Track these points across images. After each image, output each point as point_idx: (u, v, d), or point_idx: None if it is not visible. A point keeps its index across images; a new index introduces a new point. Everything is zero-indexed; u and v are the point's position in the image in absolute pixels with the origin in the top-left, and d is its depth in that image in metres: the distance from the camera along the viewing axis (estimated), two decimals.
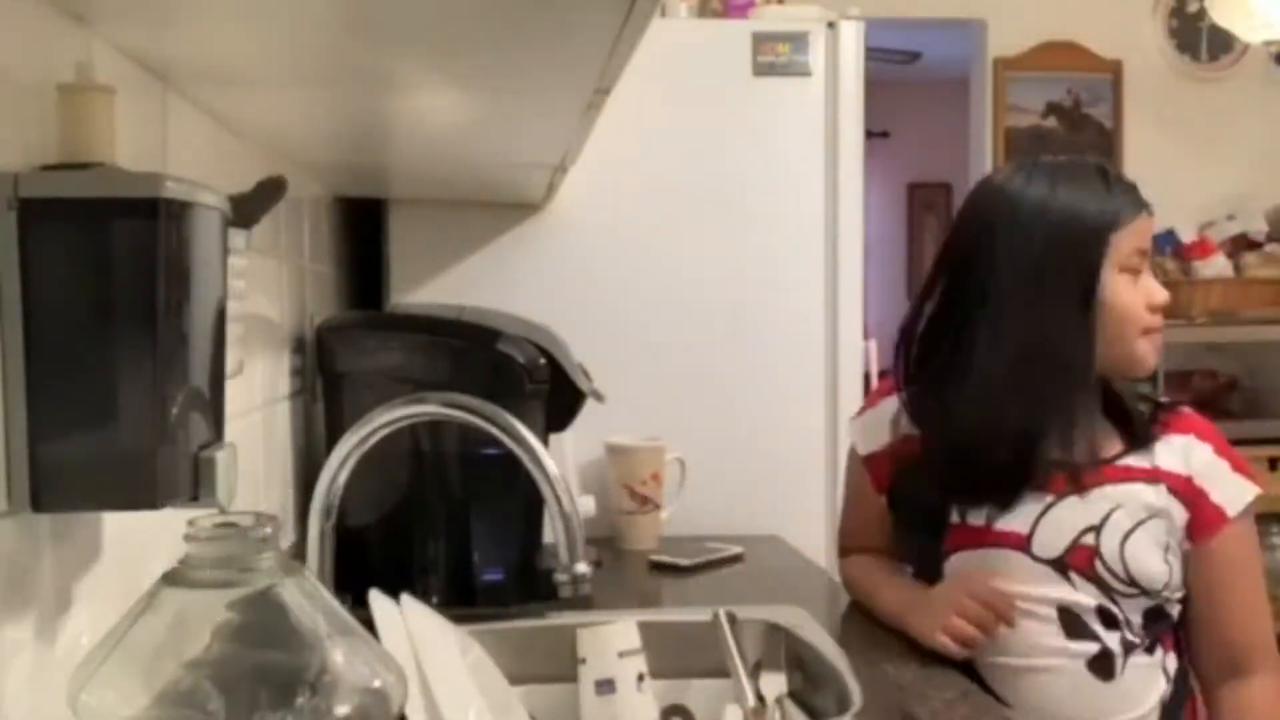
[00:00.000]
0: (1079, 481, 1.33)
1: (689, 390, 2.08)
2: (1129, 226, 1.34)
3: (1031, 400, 1.32)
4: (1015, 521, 1.34)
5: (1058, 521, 1.32)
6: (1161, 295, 1.36)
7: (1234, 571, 1.35)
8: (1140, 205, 1.36)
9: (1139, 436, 1.36)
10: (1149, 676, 1.33)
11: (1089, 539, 1.31)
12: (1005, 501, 1.34)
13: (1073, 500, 1.32)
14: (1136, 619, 1.31)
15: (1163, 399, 1.43)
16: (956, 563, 1.37)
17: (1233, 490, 1.34)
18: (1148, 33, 4.35)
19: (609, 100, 1.12)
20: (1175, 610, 1.35)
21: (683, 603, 1.64)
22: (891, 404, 1.46)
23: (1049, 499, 1.33)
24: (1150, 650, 1.33)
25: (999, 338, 1.33)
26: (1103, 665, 1.30)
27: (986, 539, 1.35)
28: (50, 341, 0.67)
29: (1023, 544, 1.33)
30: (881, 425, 1.48)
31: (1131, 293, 1.35)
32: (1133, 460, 1.35)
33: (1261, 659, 1.34)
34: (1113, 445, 1.36)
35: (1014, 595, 1.31)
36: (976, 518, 1.35)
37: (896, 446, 1.46)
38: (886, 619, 1.41)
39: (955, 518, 1.37)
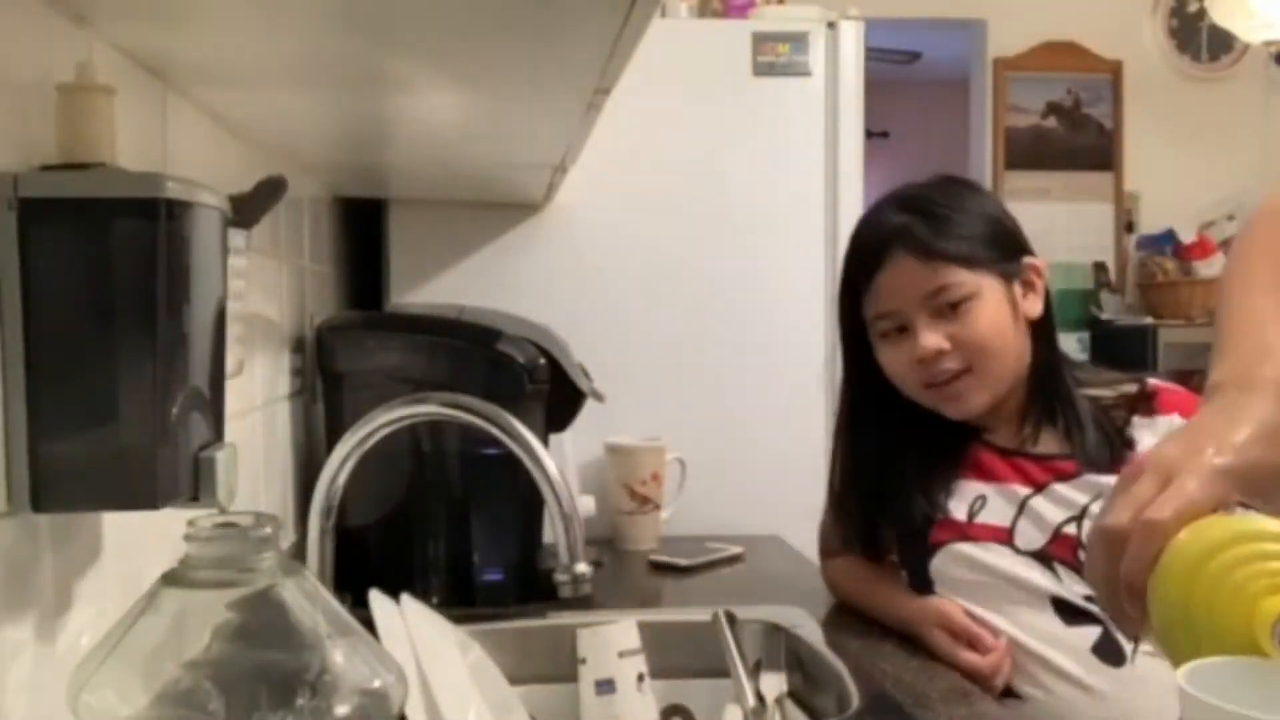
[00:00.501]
0: (1060, 471, 1.33)
1: (689, 390, 2.08)
2: (868, 294, 1.36)
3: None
4: (994, 516, 1.34)
5: (1038, 514, 1.32)
6: (920, 350, 1.32)
7: None
8: (875, 264, 1.34)
9: (1110, 433, 1.34)
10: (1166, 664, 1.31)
11: (1070, 529, 1.30)
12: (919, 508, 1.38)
13: (1053, 491, 1.32)
14: None
15: (1142, 381, 1.39)
16: (940, 560, 1.36)
17: None
18: (1148, 33, 4.35)
19: (609, 100, 1.12)
20: None
21: (683, 603, 1.64)
22: None
23: (1027, 491, 1.33)
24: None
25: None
26: (1109, 650, 1.28)
27: (968, 533, 1.35)
28: (50, 341, 0.67)
29: (1004, 538, 1.33)
30: None
31: (893, 358, 1.36)
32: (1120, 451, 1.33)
33: None
34: (1099, 441, 1.34)
35: (1003, 581, 1.31)
36: (959, 512, 1.36)
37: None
38: (901, 623, 1.41)
39: (938, 514, 1.37)
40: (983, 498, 1.36)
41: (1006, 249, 1.37)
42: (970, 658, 1.29)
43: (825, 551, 1.59)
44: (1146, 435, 1.33)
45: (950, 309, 1.32)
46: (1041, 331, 1.38)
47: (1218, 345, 0.85)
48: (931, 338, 1.32)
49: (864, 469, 1.45)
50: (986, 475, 1.37)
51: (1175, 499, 0.71)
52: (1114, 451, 1.33)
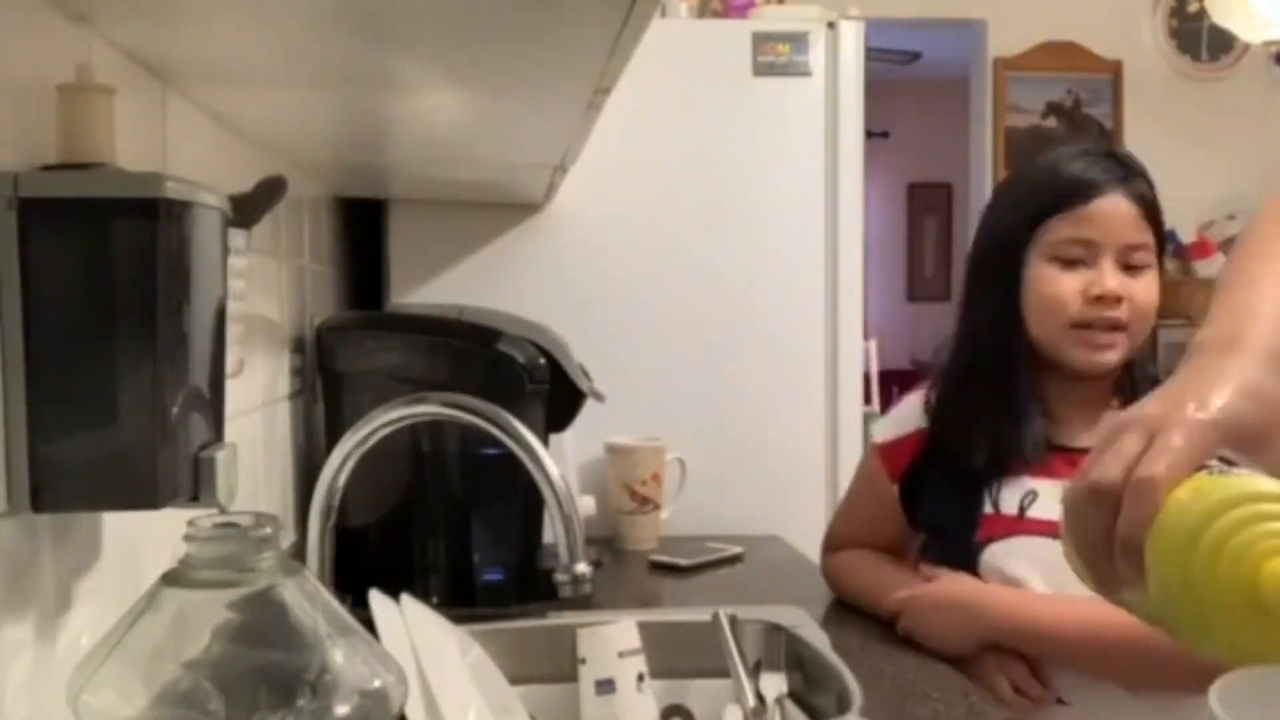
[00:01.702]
0: None
1: (689, 390, 2.08)
2: (1070, 213, 1.33)
3: (975, 392, 1.38)
4: (1046, 510, 1.32)
5: None
6: (1100, 286, 1.31)
7: None
8: (1095, 189, 1.32)
9: None
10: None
11: None
12: (980, 491, 1.36)
13: None
14: None
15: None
16: (992, 554, 1.35)
17: None
18: (1148, 33, 4.35)
19: (609, 100, 1.12)
20: None
21: (683, 603, 1.64)
22: (917, 398, 1.47)
23: None
24: None
25: (954, 334, 1.43)
26: None
27: (1019, 528, 1.34)
28: (50, 341, 0.67)
29: (1056, 531, 1.32)
30: (902, 418, 1.49)
31: (1056, 283, 1.33)
32: None
33: None
34: None
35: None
36: (1009, 506, 1.35)
37: (915, 437, 1.46)
38: (889, 611, 1.40)
39: (988, 508, 1.36)
40: (1034, 492, 1.34)
41: (1163, 243, 1.40)
42: (1007, 694, 1.28)
43: (831, 544, 1.58)
44: None
45: (1129, 269, 1.33)
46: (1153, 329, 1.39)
47: (1211, 307, 0.85)
48: (1118, 280, 1.32)
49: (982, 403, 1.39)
50: (1038, 470, 1.35)
51: (1164, 454, 0.70)
52: None
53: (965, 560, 1.38)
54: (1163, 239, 1.39)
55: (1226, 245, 3.97)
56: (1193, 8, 4.27)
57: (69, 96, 0.73)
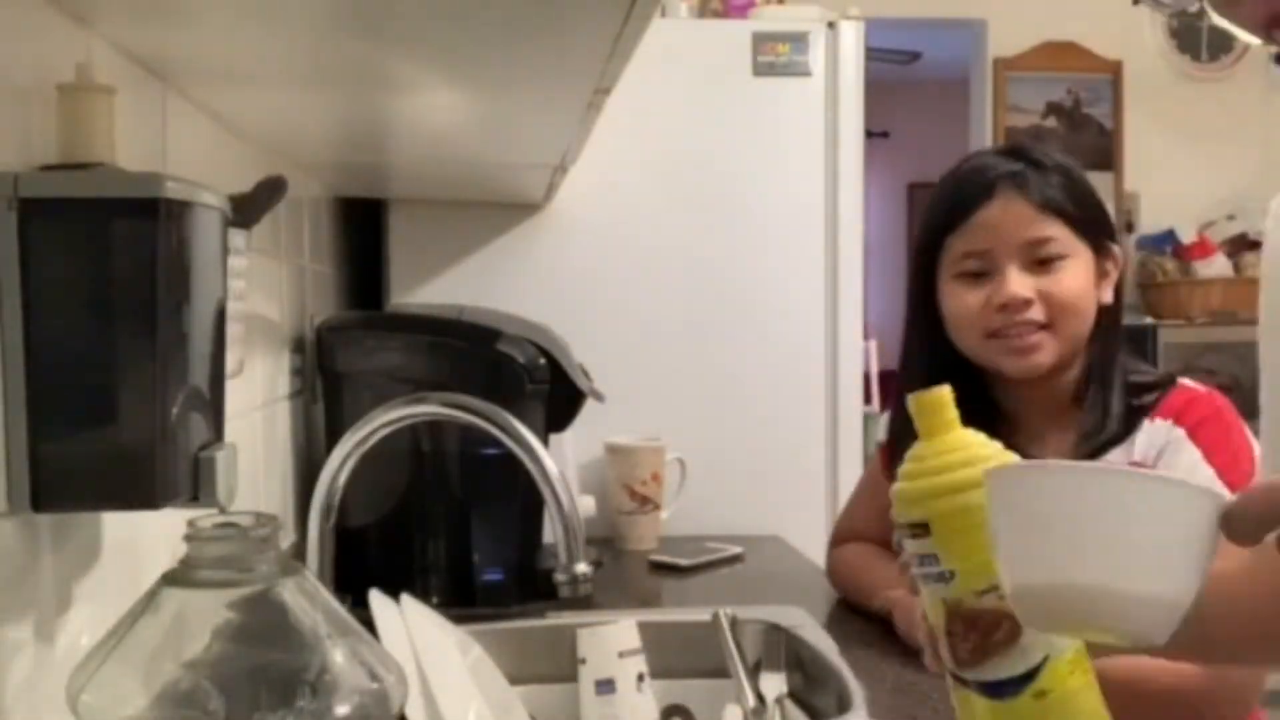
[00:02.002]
0: None
1: (689, 390, 2.08)
2: (961, 228, 1.30)
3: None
4: None
5: None
6: (1001, 294, 1.27)
7: None
8: (980, 198, 1.29)
9: (1116, 428, 1.30)
10: None
11: None
12: None
13: None
14: None
15: (1155, 378, 1.34)
16: None
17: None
18: (1148, 33, 4.35)
19: (609, 100, 1.12)
20: None
21: (683, 603, 1.64)
22: None
23: None
24: None
25: (899, 355, 1.42)
26: None
27: None
28: (50, 341, 0.67)
29: None
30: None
31: (960, 300, 1.31)
32: (1113, 454, 1.29)
33: None
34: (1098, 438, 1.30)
35: None
36: None
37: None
38: (876, 610, 1.40)
39: None
40: None
41: (1101, 226, 1.34)
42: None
43: (838, 539, 1.59)
44: (1144, 434, 1.28)
45: (1041, 265, 1.29)
46: (1106, 320, 1.34)
47: None
48: (1021, 284, 1.28)
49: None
50: None
51: None
52: (1109, 443, 1.29)
53: None
54: (1094, 219, 1.33)
55: (1226, 245, 3.96)
56: (1193, 8, 4.26)
57: (69, 96, 0.73)
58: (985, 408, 1.33)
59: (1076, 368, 1.33)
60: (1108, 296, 1.34)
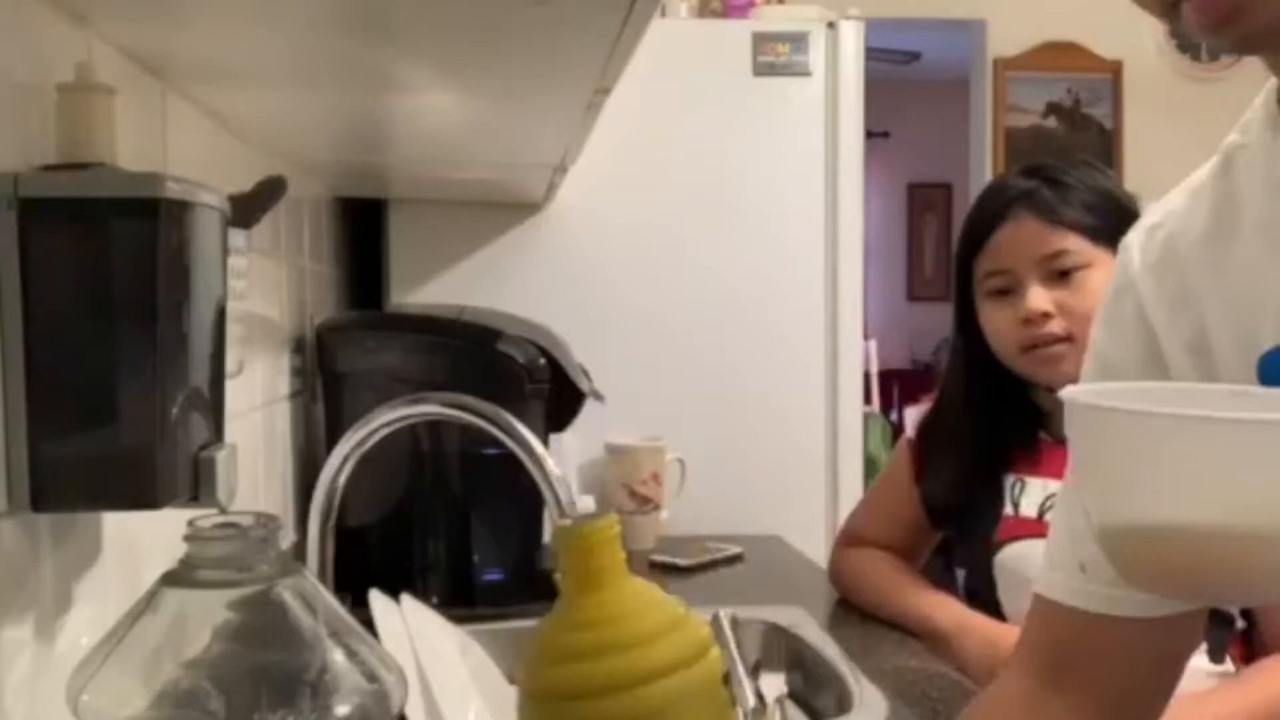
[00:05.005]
0: None
1: (689, 390, 2.08)
2: (985, 250, 1.37)
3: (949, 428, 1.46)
4: None
5: None
6: (1026, 308, 1.33)
7: None
8: (996, 220, 1.35)
9: None
10: (1213, 686, 1.24)
11: None
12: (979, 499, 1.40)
13: None
14: None
15: None
16: (1008, 556, 1.36)
17: None
18: (1148, 33, 4.35)
19: (609, 100, 1.12)
20: (1237, 612, 1.31)
21: (683, 603, 1.64)
22: None
23: None
24: (1217, 658, 1.26)
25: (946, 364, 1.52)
26: None
27: (1039, 531, 1.34)
28: (50, 341, 0.67)
29: None
30: None
31: (993, 319, 1.37)
32: None
33: None
34: None
35: None
36: (1030, 509, 1.36)
37: None
38: (933, 628, 1.38)
39: (1009, 509, 1.38)
40: (1054, 496, 1.35)
41: (1123, 228, 1.36)
42: None
43: (851, 539, 1.58)
44: None
45: (1062, 276, 1.33)
46: None
47: None
48: (1040, 298, 1.33)
49: (956, 439, 1.45)
50: (1060, 474, 1.35)
51: None
52: None
53: (983, 561, 1.38)
54: (1114, 224, 1.32)
55: None
56: None
57: (69, 96, 0.73)
58: (1024, 408, 1.41)
59: None
60: None
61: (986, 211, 1.38)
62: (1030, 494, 1.37)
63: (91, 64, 0.76)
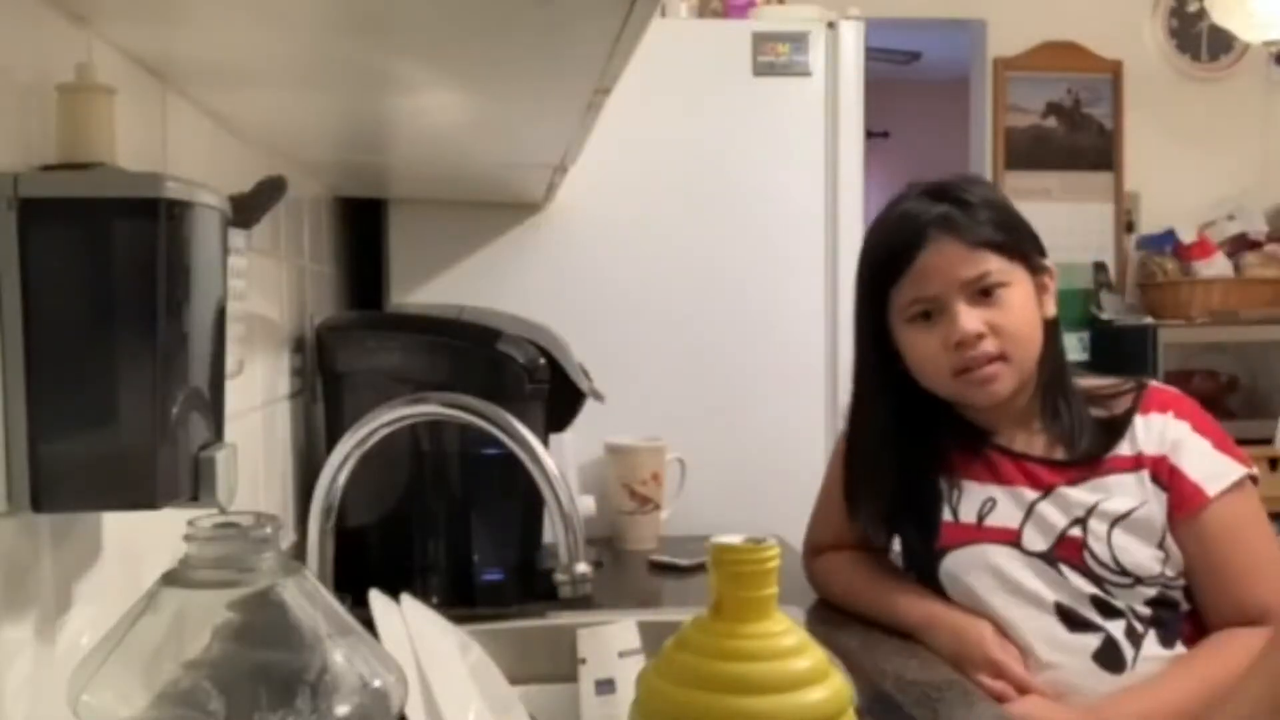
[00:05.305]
0: (1066, 475, 1.33)
1: (689, 390, 2.08)
2: (903, 278, 1.34)
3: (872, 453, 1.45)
4: (1004, 518, 1.35)
5: (1045, 515, 1.33)
6: (957, 333, 1.31)
7: (1228, 543, 1.29)
8: (914, 247, 1.33)
9: (1108, 431, 1.35)
10: (1165, 672, 1.29)
11: (1075, 531, 1.31)
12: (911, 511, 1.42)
13: (1059, 495, 1.33)
14: (1141, 608, 1.29)
15: (1132, 381, 1.39)
16: (951, 562, 1.37)
17: (1212, 467, 1.31)
18: (1148, 33, 4.34)
19: (609, 100, 1.12)
20: (1183, 597, 1.33)
21: (683, 603, 1.64)
22: None
23: (1036, 495, 1.34)
24: (1167, 643, 1.30)
25: (852, 394, 1.48)
26: (1110, 657, 1.28)
27: (978, 537, 1.35)
28: (50, 341, 0.67)
29: (1013, 539, 1.34)
30: None
31: (921, 345, 1.35)
32: (1118, 450, 1.34)
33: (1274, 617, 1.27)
34: (1095, 438, 1.35)
35: (1009, 590, 1.33)
36: (969, 515, 1.36)
37: None
38: (904, 625, 1.40)
39: (947, 515, 1.38)
40: (992, 500, 1.36)
41: (1031, 246, 1.38)
42: (997, 688, 1.28)
43: (814, 549, 1.59)
44: (1140, 430, 1.34)
45: (985, 296, 1.33)
46: (1052, 333, 1.39)
47: None
48: (972, 320, 1.31)
49: (878, 465, 1.44)
50: (996, 477, 1.37)
51: None
52: (1109, 443, 1.34)
53: (927, 567, 1.39)
54: (1023, 242, 1.36)
55: (1226, 245, 3.96)
56: (1193, 8, 4.26)
57: (69, 96, 0.73)
58: (958, 423, 1.41)
59: (1033, 381, 1.38)
60: (1051, 309, 1.39)
61: (902, 237, 1.35)
62: (968, 499, 1.37)
63: (91, 64, 0.76)
